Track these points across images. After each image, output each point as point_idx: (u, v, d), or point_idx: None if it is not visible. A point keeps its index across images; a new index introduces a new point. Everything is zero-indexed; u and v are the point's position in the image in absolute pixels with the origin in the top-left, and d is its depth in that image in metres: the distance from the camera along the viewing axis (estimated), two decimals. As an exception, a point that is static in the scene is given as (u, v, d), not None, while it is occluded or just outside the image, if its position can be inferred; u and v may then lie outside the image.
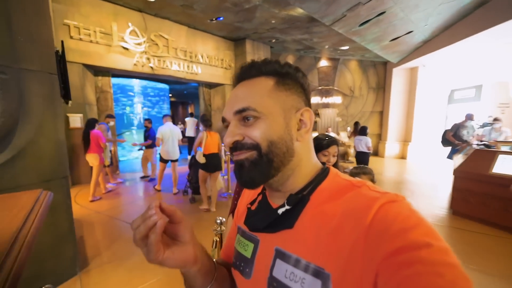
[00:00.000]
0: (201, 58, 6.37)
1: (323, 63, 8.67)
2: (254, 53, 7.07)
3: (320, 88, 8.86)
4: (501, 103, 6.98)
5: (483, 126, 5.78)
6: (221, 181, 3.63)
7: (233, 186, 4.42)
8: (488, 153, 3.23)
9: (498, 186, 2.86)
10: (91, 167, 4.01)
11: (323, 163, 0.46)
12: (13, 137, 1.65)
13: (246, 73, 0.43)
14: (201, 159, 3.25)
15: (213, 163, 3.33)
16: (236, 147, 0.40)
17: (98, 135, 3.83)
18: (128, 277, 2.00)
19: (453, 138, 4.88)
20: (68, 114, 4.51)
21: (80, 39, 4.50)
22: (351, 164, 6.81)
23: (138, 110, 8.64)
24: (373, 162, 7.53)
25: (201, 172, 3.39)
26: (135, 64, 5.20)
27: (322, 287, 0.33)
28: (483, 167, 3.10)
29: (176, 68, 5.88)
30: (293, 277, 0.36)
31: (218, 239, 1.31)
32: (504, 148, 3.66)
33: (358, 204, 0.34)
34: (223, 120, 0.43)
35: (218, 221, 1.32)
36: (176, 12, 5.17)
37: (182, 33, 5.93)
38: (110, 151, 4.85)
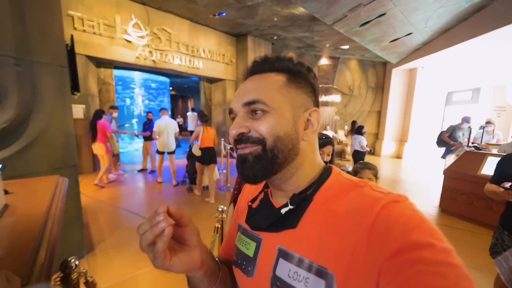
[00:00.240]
0: (203, 52, 6.41)
1: (324, 61, 8.73)
2: (255, 49, 7.11)
3: (320, 86, 8.94)
4: (498, 106, 7.12)
5: (480, 128, 5.94)
6: (217, 173, 3.81)
7: (231, 179, 4.55)
8: (478, 155, 3.37)
9: (484, 186, 3.00)
10: (94, 157, 4.11)
11: (326, 162, 0.47)
12: (26, 127, 1.75)
13: (258, 67, 0.43)
14: (197, 152, 3.47)
15: (208, 156, 3.54)
16: (241, 139, 0.40)
17: (105, 125, 3.98)
18: (132, 261, 2.12)
19: (448, 139, 5.02)
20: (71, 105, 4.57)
21: (84, 31, 4.53)
22: (348, 162, 6.95)
23: (138, 102, 8.69)
24: (369, 160, 7.66)
25: (197, 164, 3.65)
26: (137, 57, 5.24)
27: (326, 286, 0.33)
28: (472, 168, 3.24)
29: (178, 62, 5.92)
30: (296, 276, 0.36)
31: (219, 226, 1.43)
32: (494, 151, 3.81)
33: (361, 204, 0.34)
34: (230, 111, 0.43)
35: (220, 209, 1.44)
36: (179, 6, 5.20)
37: (184, 27, 5.96)
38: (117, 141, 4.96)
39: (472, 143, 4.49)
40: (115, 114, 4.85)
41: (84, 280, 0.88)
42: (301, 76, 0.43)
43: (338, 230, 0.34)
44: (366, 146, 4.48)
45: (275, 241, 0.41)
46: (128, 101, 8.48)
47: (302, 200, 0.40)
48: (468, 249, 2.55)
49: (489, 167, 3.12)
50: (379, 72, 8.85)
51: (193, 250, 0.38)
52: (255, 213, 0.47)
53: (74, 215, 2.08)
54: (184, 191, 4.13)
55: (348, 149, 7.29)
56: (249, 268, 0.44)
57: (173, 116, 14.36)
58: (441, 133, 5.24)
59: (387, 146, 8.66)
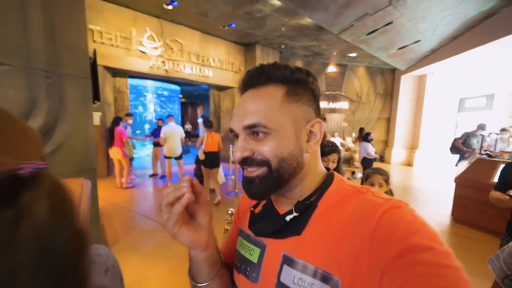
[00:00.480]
0: (213, 62, 6.64)
1: (331, 68, 8.80)
2: (264, 58, 7.28)
3: (327, 93, 8.98)
4: (513, 112, 6.92)
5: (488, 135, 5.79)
6: (222, 176, 3.99)
7: (239, 185, 4.62)
8: (490, 162, 3.30)
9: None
10: (108, 162, 4.30)
11: (328, 169, 0.47)
12: (53, 134, 1.91)
13: (254, 80, 0.42)
14: (201, 156, 3.71)
15: (211, 160, 3.74)
16: (245, 161, 0.40)
17: (121, 131, 4.23)
18: (145, 261, 2.21)
19: (462, 146, 4.92)
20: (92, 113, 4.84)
21: (102, 43, 4.82)
22: (356, 168, 6.89)
23: (150, 110, 9.00)
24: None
25: (202, 167, 3.87)
26: (151, 67, 5.50)
27: None
28: (484, 175, 3.18)
29: (188, 71, 6.16)
30: (301, 283, 0.36)
31: (229, 228, 1.50)
32: (508, 158, 3.71)
33: (364, 209, 0.35)
34: (231, 130, 0.43)
35: (230, 212, 1.52)
36: (191, 18, 5.45)
37: (195, 38, 6.22)
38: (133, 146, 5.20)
39: (485, 150, 4.39)
40: (130, 121, 5.07)
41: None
42: (300, 84, 0.41)
43: (342, 235, 0.35)
44: (375, 153, 4.46)
45: (279, 247, 0.41)
46: (140, 108, 8.80)
47: (306, 207, 0.40)
48: (480, 258, 2.49)
49: (502, 175, 3.05)
50: (387, 79, 8.82)
51: (202, 229, 0.40)
52: (258, 219, 0.47)
53: (92, 216, 2.20)
54: None
55: (357, 156, 7.23)
56: (254, 274, 0.44)
57: (183, 123, 14.69)
58: (455, 140, 5.15)
59: (397, 153, 8.53)
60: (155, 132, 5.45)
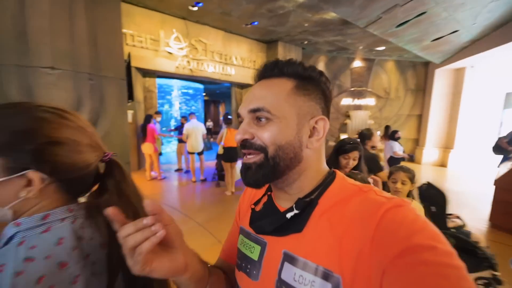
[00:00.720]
0: (235, 60, 6.76)
1: (357, 63, 8.44)
2: (286, 55, 7.22)
3: (352, 89, 8.65)
4: None
5: None
6: (238, 172, 4.11)
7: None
8: (538, 164, 2.97)
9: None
10: (139, 156, 4.66)
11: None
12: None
13: (268, 72, 0.43)
14: (220, 151, 3.94)
15: (229, 154, 3.93)
16: (245, 145, 0.41)
17: (153, 128, 4.65)
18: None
19: (507, 145, 4.46)
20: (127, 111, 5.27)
21: (134, 46, 5.17)
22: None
23: (175, 108, 9.44)
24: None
25: (222, 162, 4.08)
26: (177, 67, 5.77)
27: None
28: (530, 179, 2.87)
29: (212, 70, 6.35)
30: (302, 280, 0.36)
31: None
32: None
33: (365, 208, 0.35)
34: (238, 115, 0.44)
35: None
36: (215, 18, 5.60)
37: (219, 37, 6.37)
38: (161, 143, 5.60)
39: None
40: (158, 119, 5.40)
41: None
42: (311, 82, 0.42)
43: (344, 234, 0.35)
44: (404, 152, 4.23)
45: (280, 245, 0.41)
46: (166, 106, 9.28)
47: (307, 204, 0.40)
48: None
49: (552, 179, 2.73)
50: (419, 73, 8.22)
51: (176, 253, 0.36)
52: (259, 217, 0.47)
53: (127, 205, 2.44)
54: (213, 185, 4.61)
55: (383, 155, 6.90)
56: (254, 272, 0.44)
57: (205, 121, 15.19)
58: (499, 138, 4.67)
59: (429, 153, 7.95)
60: (179, 129, 5.75)
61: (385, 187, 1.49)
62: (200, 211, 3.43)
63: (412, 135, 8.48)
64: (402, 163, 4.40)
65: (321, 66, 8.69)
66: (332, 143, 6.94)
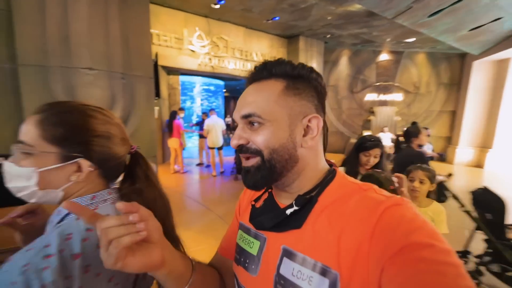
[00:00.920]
0: (255, 56, 6.77)
1: (383, 56, 8.01)
2: (307, 49, 7.08)
3: (377, 84, 8.24)
4: None
5: None
6: None
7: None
8: None
9: None
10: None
11: (330, 165, 0.47)
12: (126, 125, 2.32)
13: (257, 75, 0.44)
14: None
15: None
16: (241, 149, 0.42)
17: (179, 124, 4.94)
18: (194, 238, 2.54)
19: None
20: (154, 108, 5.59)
21: (159, 45, 5.41)
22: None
23: (197, 104, 9.74)
24: (438, 168, 6.67)
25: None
26: (199, 64, 5.94)
27: (329, 285, 0.34)
28: None
29: (232, 66, 6.44)
30: (300, 275, 0.37)
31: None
32: None
33: (365, 206, 0.35)
34: (233, 120, 0.45)
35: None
36: (236, 15, 5.65)
37: (240, 33, 6.43)
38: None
39: None
40: (182, 115, 5.63)
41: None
42: (301, 80, 0.42)
43: (342, 231, 0.35)
44: (433, 151, 3.99)
45: (279, 240, 0.42)
46: (188, 103, 9.60)
47: (307, 201, 0.41)
48: None
49: None
50: (454, 66, 7.58)
51: (152, 248, 0.35)
52: (259, 213, 0.47)
53: (154, 195, 2.62)
54: (234, 182, 4.70)
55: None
56: (253, 266, 0.45)
57: (225, 116, 15.48)
58: None
59: (463, 152, 7.35)
60: (201, 125, 5.95)
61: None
62: (220, 204, 3.56)
63: (444, 133, 7.89)
64: (431, 163, 4.15)
65: (344, 60, 8.38)
66: (353, 141, 6.70)
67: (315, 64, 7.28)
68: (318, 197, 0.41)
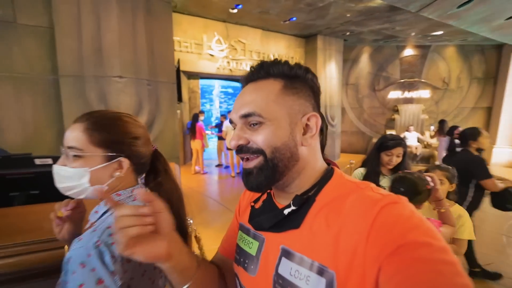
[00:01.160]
0: (273, 57, 6.76)
1: (408, 52, 7.60)
2: (325, 48, 6.95)
3: (402, 80, 7.84)
4: None
5: None
6: None
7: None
8: None
9: None
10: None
11: (328, 164, 0.47)
12: (152, 128, 2.47)
13: (254, 75, 0.44)
14: None
15: None
16: (241, 150, 0.42)
17: (201, 127, 5.20)
18: (215, 236, 2.60)
19: None
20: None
21: (180, 51, 5.65)
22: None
23: (216, 106, 10.00)
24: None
25: None
26: (218, 68, 6.10)
27: (326, 285, 0.34)
28: None
29: (250, 69, 6.52)
30: (298, 274, 0.37)
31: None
32: None
33: (361, 205, 0.35)
34: (231, 121, 0.45)
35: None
36: (254, 18, 5.72)
37: (257, 36, 6.50)
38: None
39: None
40: (201, 117, 5.84)
41: (195, 235, 1.26)
42: (298, 80, 0.43)
43: (340, 230, 0.35)
44: (463, 150, 3.71)
45: (278, 240, 0.42)
46: (207, 105, 9.89)
47: (304, 201, 0.41)
48: None
49: None
50: (489, 58, 6.98)
51: (161, 240, 0.37)
52: (258, 214, 0.48)
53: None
54: None
55: (436, 153, 6.12)
56: (252, 266, 0.45)
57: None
58: None
59: (501, 152, 6.73)
60: (219, 127, 6.10)
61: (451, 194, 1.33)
62: (239, 204, 3.64)
63: (478, 132, 7.28)
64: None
65: (365, 57, 8.10)
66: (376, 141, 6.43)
67: (334, 63, 7.12)
68: (316, 197, 0.41)
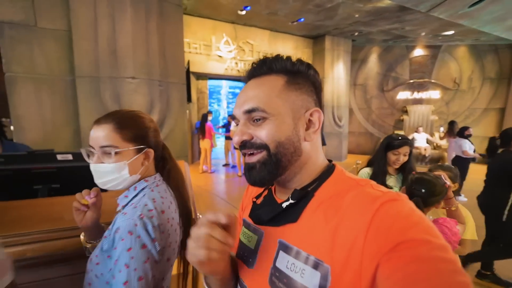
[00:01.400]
0: (279, 57, 6.82)
1: (418, 52, 7.48)
2: (334, 48, 6.93)
3: (411, 81, 7.71)
4: None
5: None
6: None
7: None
8: None
9: None
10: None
11: (330, 160, 0.47)
12: (163, 127, 2.55)
13: (257, 70, 0.44)
14: None
15: None
16: (245, 145, 0.42)
17: (211, 127, 5.30)
18: (222, 234, 2.68)
19: None
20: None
21: (190, 52, 5.76)
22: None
23: (223, 107, 10.10)
24: (483, 171, 6.04)
25: None
26: (226, 69, 6.18)
27: (321, 278, 0.34)
28: None
29: (258, 69, 6.56)
30: (293, 268, 0.37)
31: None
32: None
33: (361, 201, 0.35)
34: (233, 117, 0.45)
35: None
36: (262, 19, 5.77)
37: (265, 37, 6.54)
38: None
39: None
40: (210, 118, 5.92)
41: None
42: (301, 76, 0.43)
43: (338, 225, 0.35)
44: (475, 151, 3.65)
45: (276, 234, 0.43)
46: (215, 105, 10.00)
47: (303, 195, 0.41)
48: None
49: None
50: (503, 58, 6.79)
51: (223, 260, 0.39)
52: (258, 208, 0.49)
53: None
54: None
55: (446, 154, 6.00)
56: (250, 260, 0.46)
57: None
58: None
59: (515, 155, 6.52)
60: (227, 127, 6.17)
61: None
62: (246, 203, 3.69)
63: (490, 133, 7.09)
64: (473, 165, 3.78)
65: (374, 57, 8.02)
66: (384, 142, 6.36)
67: (342, 63, 7.08)
68: (315, 192, 0.41)
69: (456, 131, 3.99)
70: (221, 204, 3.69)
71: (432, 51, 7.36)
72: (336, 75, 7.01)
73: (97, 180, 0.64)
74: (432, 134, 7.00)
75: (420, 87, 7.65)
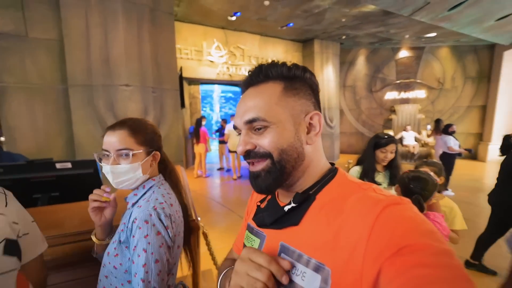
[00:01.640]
0: (270, 61, 6.94)
1: (403, 53, 7.77)
2: (323, 52, 7.11)
3: (398, 82, 7.99)
4: None
5: None
6: None
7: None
8: None
9: None
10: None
11: (332, 164, 0.48)
12: (157, 133, 2.59)
13: (253, 79, 0.44)
14: None
15: None
16: (249, 155, 0.42)
17: (205, 131, 5.33)
18: (219, 237, 2.70)
19: None
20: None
21: (181, 58, 5.79)
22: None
23: (216, 111, 10.14)
24: (469, 165, 6.31)
25: None
26: (217, 74, 6.23)
27: (321, 281, 0.34)
28: None
29: (249, 73, 6.66)
30: (294, 270, 0.38)
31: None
32: None
33: (363, 205, 0.35)
34: (235, 127, 0.46)
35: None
36: (252, 24, 5.88)
37: (255, 42, 6.66)
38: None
39: None
40: (203, 122, 5.95)
41: (202, 231, 1.35)
42: (298, 80, 0.43)
43: (339, 229, 0.35)
44: (460, 147, 3.83)
45: (278, 237, 0.43)
46: (208, 110, 10.03)
47: (304, 199, 0.41)
48: None
49: None
50: (482, 58, 7.14)
51: None
52: (261, 212, 0.50)
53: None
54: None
55: (434, 152, 6.22)
56: None
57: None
58: None
59: (497, 149, 6.83)
60: (220, 131, 6.21)
61: None
62: (241, 205, 3.72)
63: (473, 129, 7.41)
64: (459, 160, 3.96)
65: (361, 59, 8.26)
66: (375, 141, 6.54)
67: (331, 66, 7.27)
68: (316, 195, 0.42)
69: (442, 128, 4.17)
70: (217, 208, 3.71)
71: (416, 53, 7.66)
72: (326, 77, 7.18)
73: (114, 181, 0.70)
74: (419, 132, 7.25)
75: (407, 87, 7.92)
